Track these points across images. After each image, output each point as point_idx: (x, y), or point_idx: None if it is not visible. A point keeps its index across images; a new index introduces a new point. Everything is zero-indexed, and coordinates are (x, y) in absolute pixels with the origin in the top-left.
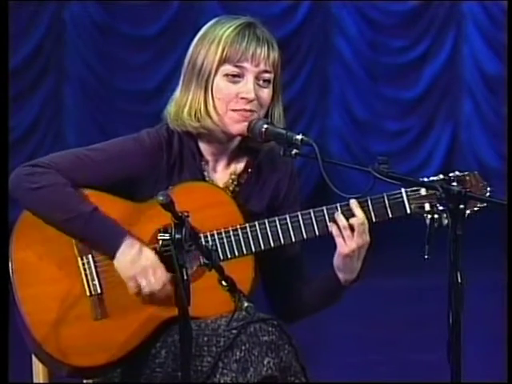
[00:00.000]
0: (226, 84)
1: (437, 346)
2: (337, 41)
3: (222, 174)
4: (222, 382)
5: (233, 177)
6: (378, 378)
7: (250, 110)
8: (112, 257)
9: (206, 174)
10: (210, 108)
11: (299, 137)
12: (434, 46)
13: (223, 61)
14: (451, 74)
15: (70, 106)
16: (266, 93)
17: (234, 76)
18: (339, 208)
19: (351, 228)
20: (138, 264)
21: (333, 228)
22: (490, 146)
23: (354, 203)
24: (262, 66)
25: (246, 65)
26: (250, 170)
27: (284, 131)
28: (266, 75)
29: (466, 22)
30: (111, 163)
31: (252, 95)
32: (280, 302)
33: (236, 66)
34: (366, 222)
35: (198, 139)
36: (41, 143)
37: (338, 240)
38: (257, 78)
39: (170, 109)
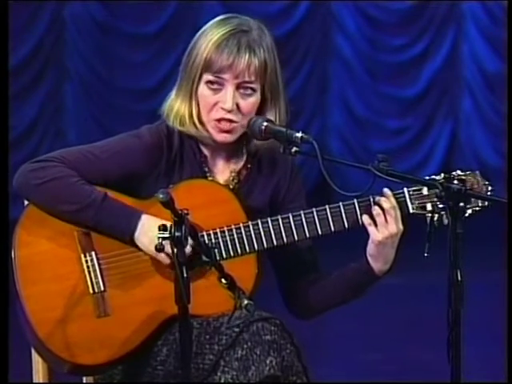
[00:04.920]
0: (208, 92)
1: (437, 344)
2: (336, 39)
3: (223, 171)
4: (222, 380)
5: (233, 174)
6: (379, 377)
7: (230, 120)
8: (130, 239)
9: (206, 170)
10: (194, 116)
11: (299, 134)
12: (434, 44)
13: (205, 69)
14: (451, 72)
15: (70, 104)
16: (249, 102)
17: (213, 83)
18: (357, 202)
19: (384, 215)
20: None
21: (364, 217)
22: (490, 144)
23: (387, 192)
24: (241, 78)
25: (225, 76)
26: (249, 166)
27: (284, 129)
28: (248, 85)
29: (466, 20)
30: (114, 160)
31: (229, 105)
32: (295, 298)
33: (215, 76)
34: (398, 208)
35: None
36: (41, 141)
37: (371, 228)
38: (237, 87)
39: (164, 109)
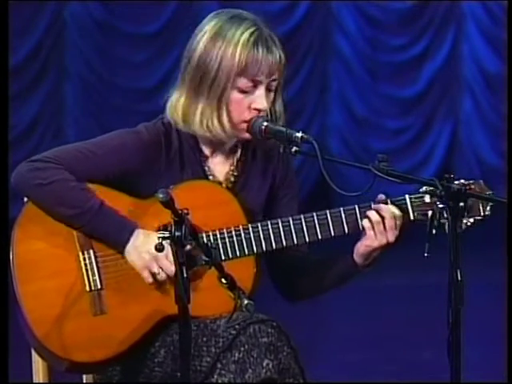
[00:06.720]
0: (240, 96)
1: (437, 344)
2: (336, 39)
3: (222, 168)
4: (219, 382)
5: (232, 168)
6: (378, 377)
7: None
8: (122, 250)
9: (206, 168)
10: (224, 119)
11: (299, 134)
12: (434, 44)
13: (239, 74)
14: (451, 72)
15: (70, 103)
16: (270, 97)
17: (247, 87)
18: (357, 208)
19: (383, 224)
20: (148, 252)
21: (364, 221)
22: (490, 144)
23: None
24: (273, 76)
25: (261, 78)
26: (243, 158)
27: (284, 129)
28: (274, 83)
29: (466, 19)
30: (111, 157)
31: (266, 105)
32: (285, 282)
33: (251, 80)
34: (399, 218)
35: (196, 135)
36: (41, 141)
37: (369, 233)
38: (267, 86)
39: (176, 113)
